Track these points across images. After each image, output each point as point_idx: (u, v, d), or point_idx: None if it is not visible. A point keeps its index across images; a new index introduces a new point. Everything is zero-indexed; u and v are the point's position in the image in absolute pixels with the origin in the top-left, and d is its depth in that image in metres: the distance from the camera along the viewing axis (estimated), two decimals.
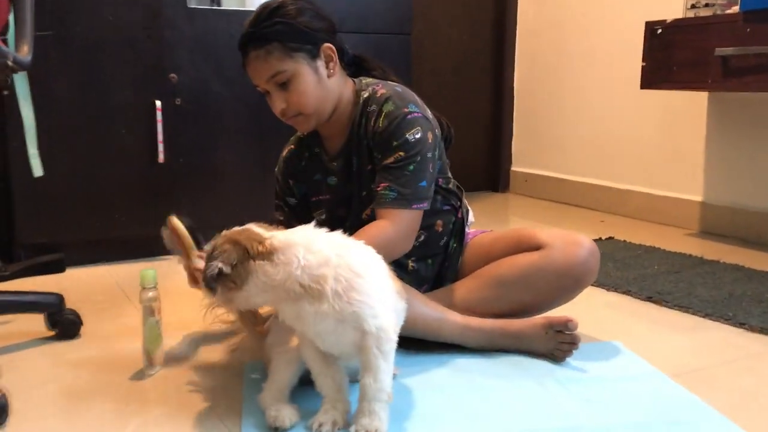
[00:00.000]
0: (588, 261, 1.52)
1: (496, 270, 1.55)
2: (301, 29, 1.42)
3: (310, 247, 1.15)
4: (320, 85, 1.46)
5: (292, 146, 1.67)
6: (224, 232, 1.20)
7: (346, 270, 1.15)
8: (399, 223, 1.44)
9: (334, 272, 1.14)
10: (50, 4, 2.13)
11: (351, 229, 1.48)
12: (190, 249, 1.47)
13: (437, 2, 3.77)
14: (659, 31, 2.61)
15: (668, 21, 2.58)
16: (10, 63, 1.34)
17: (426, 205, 1.49)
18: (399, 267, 1.57)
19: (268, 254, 1.14)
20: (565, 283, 1.52)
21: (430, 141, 1.47)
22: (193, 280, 1.45)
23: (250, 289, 1.15)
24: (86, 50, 2.23)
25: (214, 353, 1.60)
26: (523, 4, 3.87)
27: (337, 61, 1.50)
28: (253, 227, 1.21)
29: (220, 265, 1.13)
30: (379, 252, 1.30)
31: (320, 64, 1.46)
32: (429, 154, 1.47)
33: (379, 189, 1.45)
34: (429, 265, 1.64)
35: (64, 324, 1.66)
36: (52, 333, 1.67)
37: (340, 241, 1.21)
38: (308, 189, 1.64)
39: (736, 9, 2.43)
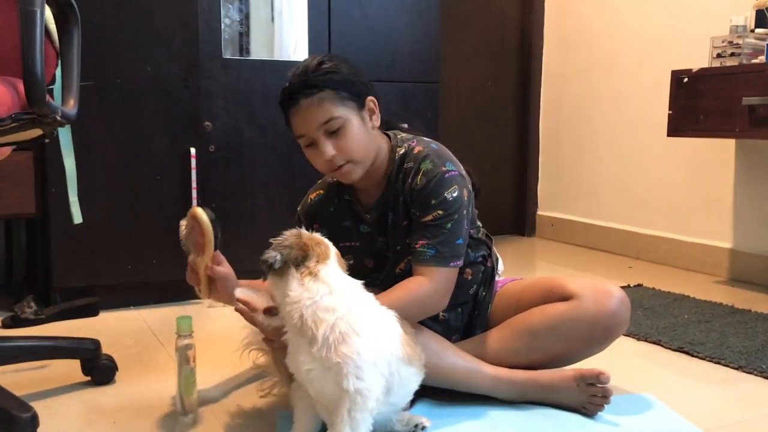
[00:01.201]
0: (619, 311, 1.52)
1: (526, 320, 1.55)
2: (350, 80, 1.47)
3: (333, 290, 1.22)
4: (367, 135, 1.50)
5: (321, 191, 1.67)
6: (302, 232, 1.27)
7: (346, 324, 1.19)
8: (437, 281, 1.46)
9: (333, 321, 1.19)
10: (92, 56, 2.20)
11: (385, 282, 1.51)
12: (209, 243, 1.47)
13: (463, 48, 3.84)
14: (685, 79, 2.63)
15: (694, 70, 2.61)
16: (58, 117, 1.39)
17: (461, 262, 1.51)
18: (431, 318, 1.58)
19: (309, 274, 1.22)
20: (597, 334, 1.52)
21: (465, 198, 1.50)
22: (194, 276, 1.53)
23: (281, 290, 1.23)
24: (125, 100, 2.31)
25: (247, 399, 1.61)
26: (549, 49, 3.93)
27: (379, 114, 1.54)
28: (333, 251, 1.29)
29: (277, 258, 1.21)
30: (415, 307, 1.35)
31: (365, 115, 1.50)
32: (465, 212, 1.50)
33: (417, 246, 1.47)
34: (459, 314, 1.64)
35: (100, 370, 1.69)
36: (87, 378, 1.70)
37: (361, 298, 1.27)
38: (332, 235, 1.66)
39: (762, 58, 2.45)
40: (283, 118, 1.51)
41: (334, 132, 1.45)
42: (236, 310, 1.42)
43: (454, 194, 1.47)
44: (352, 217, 1.63)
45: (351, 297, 1.24)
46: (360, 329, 1.20)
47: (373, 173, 1.55)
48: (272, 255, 1.22)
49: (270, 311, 1.35)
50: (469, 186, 1.55)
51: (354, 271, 1.64)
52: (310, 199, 1.68)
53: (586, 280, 1.59)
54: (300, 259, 1.23)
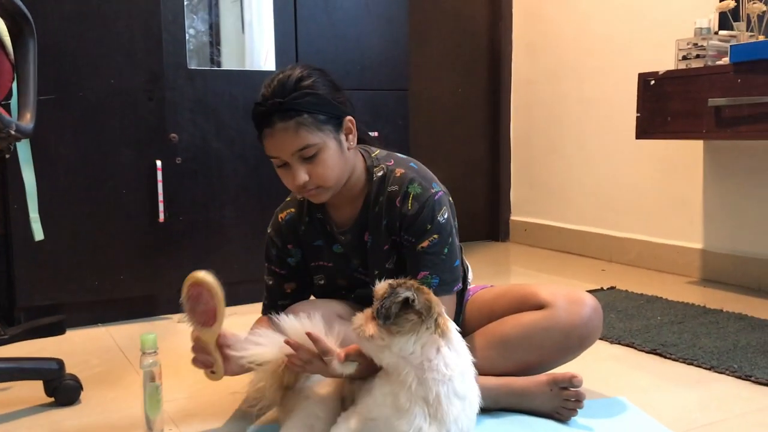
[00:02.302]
0: (592, 320, 1.51)
1: (499, 329, 1.54)
2: (330, 101, 1.41)
3: (449, 363, 1.18)
4: (342, 158, 1.45)
5: (292, 209, 1.62)
6: (424, 291, 1.19)
7: (450, 389, 1.18)
8: (446, 306, 1.42)
9: (460, 410, 1.19)
10: (52, 69, 2.16)
11: (358, 304, 1.49)
12: (221, 309, 1.34)
13: (433, 55, 3.84)
14: (652, 82, 2.65)
15: (661, 72, 2.63)
16: (12, 132, 1.36)
17: (461, 284, 1.53)
18: None
19: (441, 331, 1.18)
20: (570, 343, 1.51)
21: (452, 218, 1.51)
22: (203, 353, 1.40)
23: (398, 345, 1.17)
24: (88, 113, 2.26)
25: (215, 418, 1.57)
26: (518, 55, 3.95)
27: (356, 134, 1.49)
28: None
29: (409, 294, 1.15)
30: None
31: (342, 137, 1.45)
32: (455, 231, 1.50)
33: (419, 277, 1.43)
34: None
35: (64, 390, 1.64)
36: (50, 399, 1.65)
37: (465, 362, 1.23)
38: (305, 253, 1.62)
39: (726, 60, 2.47)
40: (254, 130, 1.44)
41: (309, 158, 1.40)
42: (289, 363, 1.31)
43: (445, 216, 1.47)
44: (324, 236, 1.59)
45: (461, 362, 1.21)
46: (465, 393, 1.21)
47: (346, 192, 1.52)
48: (404, 292, 1.15)
49: (349, 357, 1.26)
50: (450, 199, 1.54)
51: (326, 291, 1.63)
52: (281, 218, 1.62)
53: (559, 287, 1.58)
54: (431, 312, 1.17)
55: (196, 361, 1.43)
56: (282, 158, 1.41)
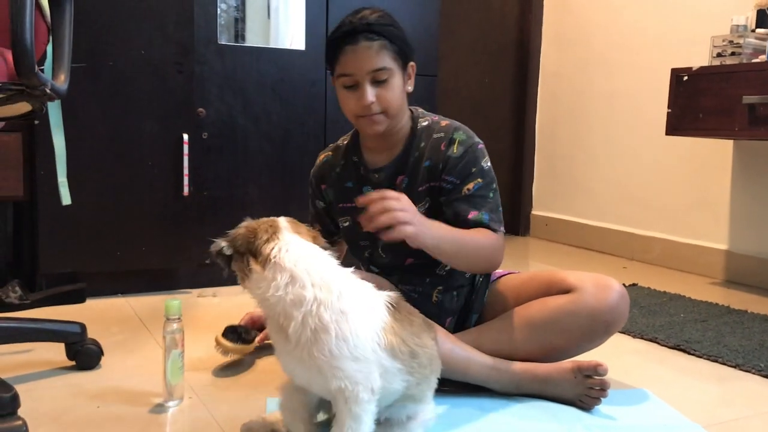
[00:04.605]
0: (619, 305, 1.50)
1: (525, 311, 1.53)
2: (405, 40, 1.53)
3: (296, 277, 1.08)
4: (402, 94, 1.54)
5: (329, 153, 1.71)
6: (255, 221, 1.17)
7: (315, 320, 1.07)
8: (499, 239, 1.52)
9: (301, 317, 1.07)
10: (84, 37, 2.16)
11: (388, 251, 1.57)
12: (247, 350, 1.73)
13: (461, 45, 3.81)
14: (685, 78, 2.61)
15: (694, 69, 2.59)
16: (48, 90, 1.35)
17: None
18: (423, 298, 1.58)
19: (264, 261, 1.10)
20: (596, 327, 1.50)
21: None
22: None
23: (251, 288, 1.12)
24: (117, 83, 2.26)
25: (234, 386, 1.57)
26: (547, 46, 3.91)
27: (413, 81, 1.58)
28: (284, 223, 1.17)
29: (222, 244, 1.13)
30: (486, 251, 1.47)
31: (405, 77, 1.55)
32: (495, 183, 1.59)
33: (470, 217, 1.51)
34: (453, 296, 1.62)
35: (85, 354, 1.65)
36: (71, 363, 1.66)
37: (333, 280, 1.12)
38: (335, 194, 1.67)
39: (763, 57, 2.43)
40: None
41: (380, 81, 1.48)
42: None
43: (488, 164, 1.57)
44: (357, 178, 1.64)
45: (320, 282, 1.09)
46: (329, 324, 1.07)
47: (390, 135, 1.58)
48: (218, 242, 1.13)
49: None
50: None
51: (350, 233, 1.67)
52: (320, 159, 1.72)
53: (586, 273, 1.57)
54: (251, 241, 1.11)
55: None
56: (356, 76, 1.48)
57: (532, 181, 4.02)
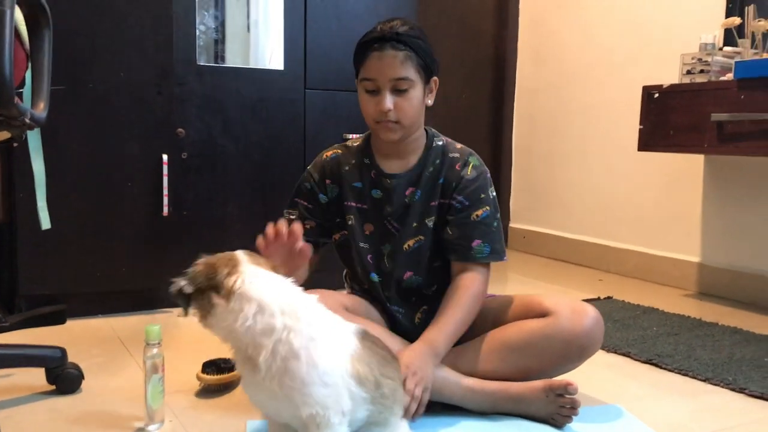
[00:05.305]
0: (593, 330, 1.53)
1: (502, 334, 1.56)
2: (431, 54, 1.59)
3: (264, 306, 1.09)
4: (421, 107, 1.60)
5: (338, 150, 1.72)
6: (212, 256, 1.15)
7: (285, 347, 1.08)
8: (485, 274, 1.62)
9: (272, 345, 1.08)
10: (64, 60, 2.17)
11: (394, 256, 1.63)
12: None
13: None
14: (656, 95, 2.68)
15: (665, 86, 2.65)
16: (27, 120, 1.37)
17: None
18: (406, 317, 1.67)
19: (228, 294, 1.09)
20: (570, 351, 1.53)
21: None
22: None
23: (214, 324, 1.11)
24: (97, 105, 2.28)
25: (215, 409, 1.59)
26: (522, 62, 3.97)
27: (434, 95, 1.65)
28: (242, 256, 1.15)
29: (182, 283, 1.10)
30: (476, 301, 1.55)
31: (426, 91, 1.61)
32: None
33: (474, 245, 1.59)
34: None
35: (66, 379, 1.65)
36: (52, 387, 1.66)
37: (299, 307, 1.12)
38: (342, 191, 1.69)
39: (730, 76, 2.50)
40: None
41: (401, 91, 1.54)
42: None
43: (494, 193, 1.66)
44: (367, 180, 1.67)
45: (288, 310, 1.10)
46: (298, 350, 1.08)
47: (405, 144, 1.64)
48: (177, 282, 1.10)
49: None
50: None
51: (353, 234, 1.68)
52: (325, 156, 1.73)
53: (563, 298, 1.61)
54: (212, 276, 1.09)
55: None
56: (378, 82, 1.54)
57: (510, 195, 4.07)
